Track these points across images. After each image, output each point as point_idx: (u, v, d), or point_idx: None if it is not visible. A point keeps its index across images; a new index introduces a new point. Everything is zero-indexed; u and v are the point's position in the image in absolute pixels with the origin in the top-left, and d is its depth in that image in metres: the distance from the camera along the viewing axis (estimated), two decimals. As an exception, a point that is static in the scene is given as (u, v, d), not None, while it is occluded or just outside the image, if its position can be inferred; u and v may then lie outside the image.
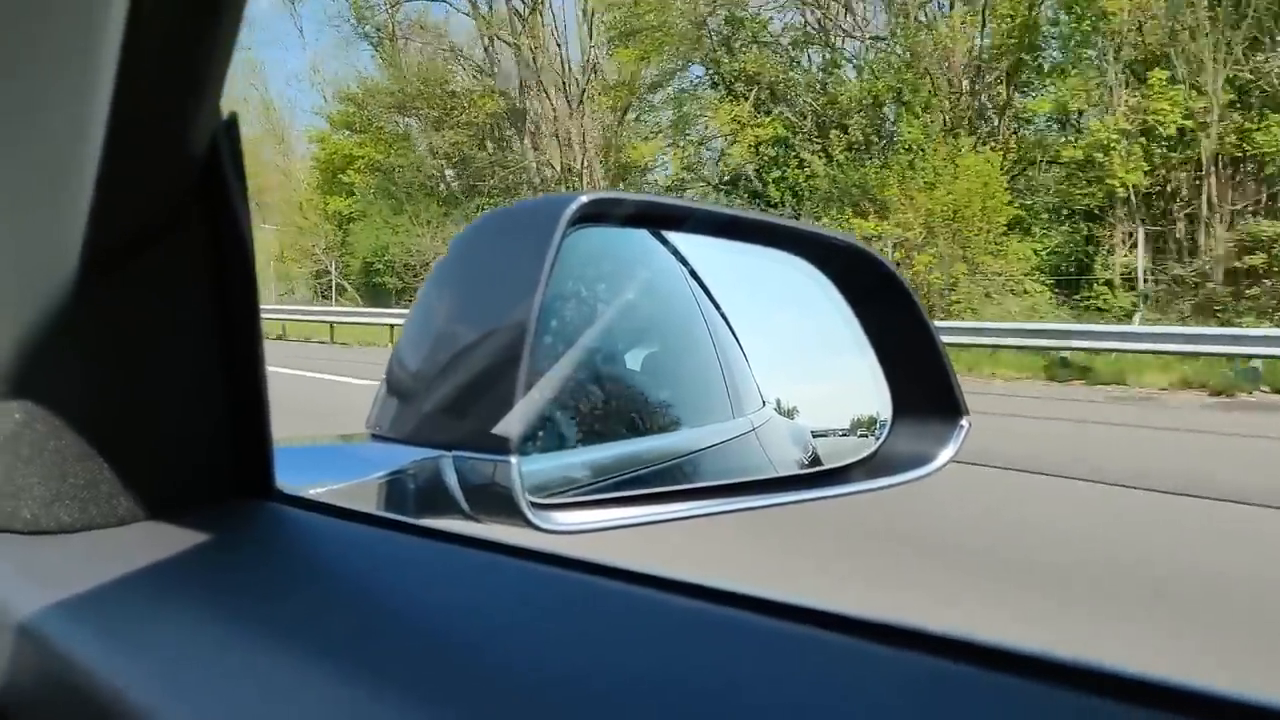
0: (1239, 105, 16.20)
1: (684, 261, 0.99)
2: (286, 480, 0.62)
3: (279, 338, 21.72)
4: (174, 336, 0.58)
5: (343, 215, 30.46)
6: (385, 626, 0.42)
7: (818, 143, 21.39)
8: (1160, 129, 16.38)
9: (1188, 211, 16.88)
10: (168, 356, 0.58)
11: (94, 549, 0.55)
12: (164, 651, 0.43)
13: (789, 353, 1.13)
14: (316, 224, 31.63)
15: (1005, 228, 17.21)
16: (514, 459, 0.61)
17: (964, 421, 0.93)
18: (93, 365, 0.56)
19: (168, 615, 0.46)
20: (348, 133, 30.94)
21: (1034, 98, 19.94)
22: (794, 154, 21.69)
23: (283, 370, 11.43)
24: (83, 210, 0.47)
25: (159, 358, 0.58)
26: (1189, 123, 16.18)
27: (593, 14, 24.95)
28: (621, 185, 24.91)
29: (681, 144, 25.45)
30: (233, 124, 0.54)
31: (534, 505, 0.65)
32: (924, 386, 0.95)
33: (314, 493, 0.64)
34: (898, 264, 13.21)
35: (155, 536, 0.56)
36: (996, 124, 19.73)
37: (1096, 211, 17.70)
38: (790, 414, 1.07)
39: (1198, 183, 16.67)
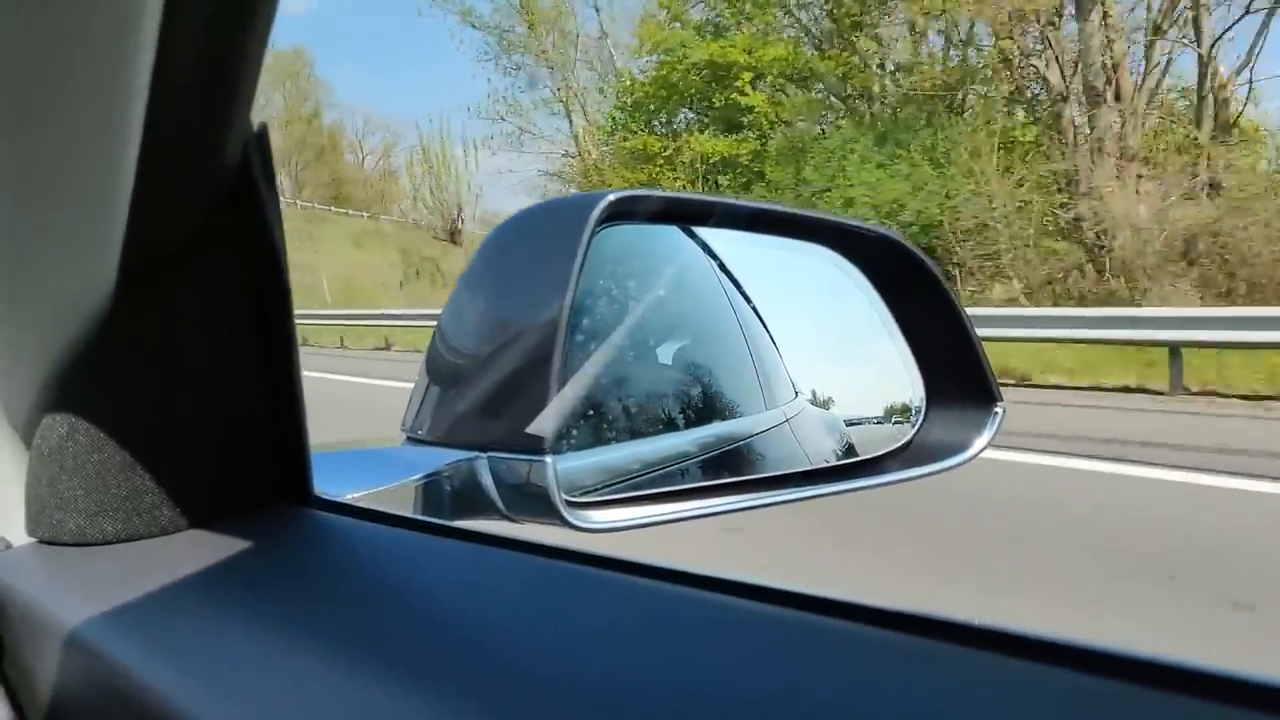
0: None
1: (713, 256, 0.99)
2: (323, 485, 0.63)
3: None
4: (210, 347, 0.58)
5: (726, 161, 18.99)
6: (425, 629, 0.42)
7: None
8: None
9: None
10: (204, 368, 0.58)
11: (138, 559, 0.56)
12: (209, 658, 0.43)
13: (820, 343, 1.13)
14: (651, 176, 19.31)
15: None
16: (549, 458, 0.61)
17: (998, 408, 0.92)
18: (132, 378, 0.56)
19: (212, 622, 0.47)
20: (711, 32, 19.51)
21: None
22: None
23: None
24: (119, 225, 0.48)
25: (196, 369, 0.58)
26: None
27: None
28: None
29: None
30: (263, 134, 0.54)
31: (570, 504, 0.65)
32: (957, 373, 0.95)
33: (351, 497, 0.65)
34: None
35: (198, 545, 0.57)
36: None
37: None
38: (823, 404, 1.07)
39: None
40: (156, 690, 0.42)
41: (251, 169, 0.54)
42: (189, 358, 0.58)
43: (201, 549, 0.56)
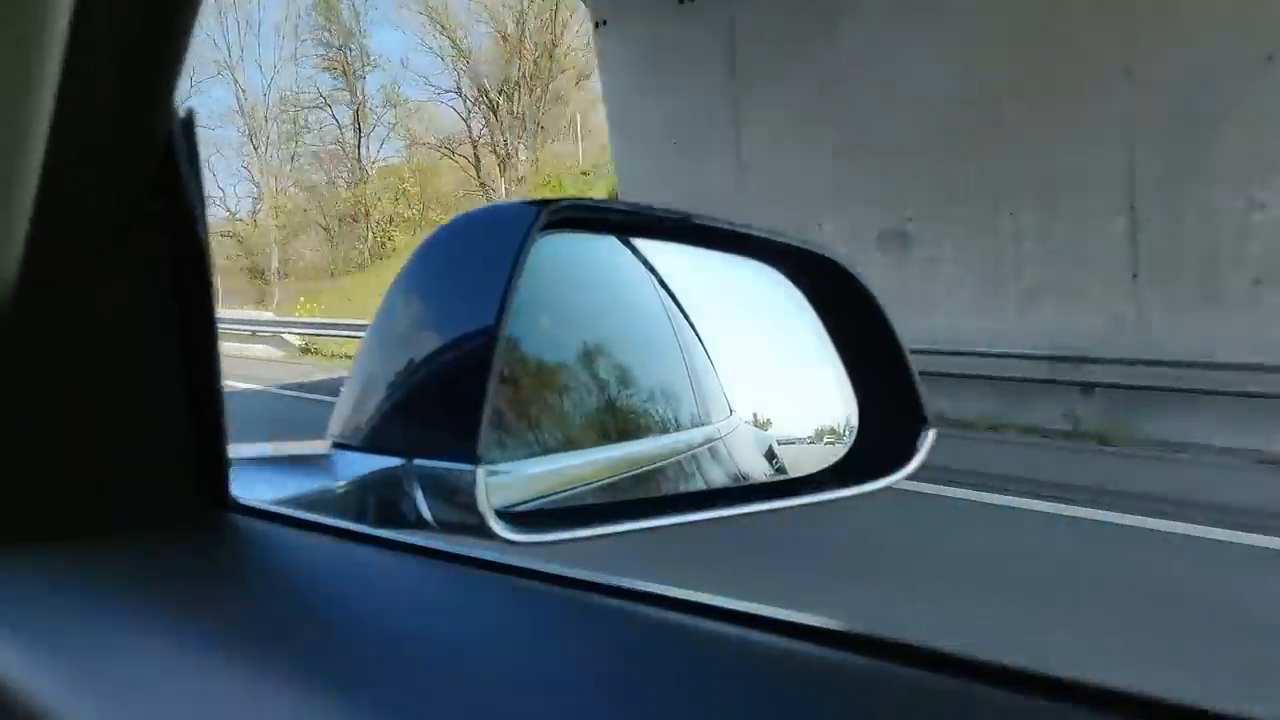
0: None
1: (652, 269, 0.99)
2: (243, 490, 0.61)
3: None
4: (127, 344, 0.56)
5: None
6: (344, 640, 0.41)
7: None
8: None
9: None
10: (120, 365, 0.56)
11: (39, 566, 0.53)
12: (112, 671, 0.41)
13: (757, 361, 1.13)
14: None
15: None
16: (478, 469, 0.60)
17: (929, 430, 0.93)
18: (39, 374, 0.54)
19: (117, 633, 0.45)
20: None
21: None
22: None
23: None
24: (27, 211, 0.46)
25: (111, 366, 0.56)
26: None
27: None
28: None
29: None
30: (189, 119, 0.52)
31: (498, 516, 0.64)
32: (890, 395, 0.95)
33: (273, 503, 0.63)
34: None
35: (105, 551, 0.54)
36: None
37: None
38: (758, 423, 1.07)
39: None
40: (38, 705, 0.40)
41: (176, 158, 0.52)
42: (103, 355, 0.55)
43: (109, 555, 0.53)
